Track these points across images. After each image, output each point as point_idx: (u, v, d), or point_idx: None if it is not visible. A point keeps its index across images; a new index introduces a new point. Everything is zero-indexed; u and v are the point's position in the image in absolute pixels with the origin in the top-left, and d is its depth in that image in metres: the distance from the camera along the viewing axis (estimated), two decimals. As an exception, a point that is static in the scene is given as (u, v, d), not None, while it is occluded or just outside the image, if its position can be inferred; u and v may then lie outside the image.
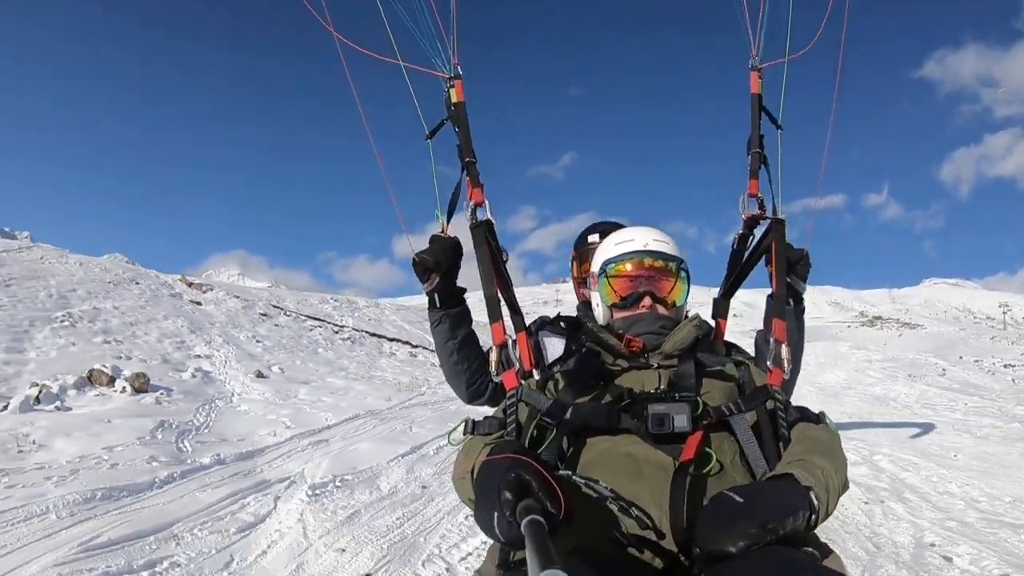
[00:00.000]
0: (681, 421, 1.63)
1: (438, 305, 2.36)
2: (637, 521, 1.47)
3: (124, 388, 9.13)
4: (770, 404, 1.78)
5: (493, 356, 2.01)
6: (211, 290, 23.24)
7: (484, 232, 2.10)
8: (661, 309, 2.03)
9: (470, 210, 2.17)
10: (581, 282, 2.71)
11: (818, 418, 1.76)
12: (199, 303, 19.67)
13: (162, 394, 9.49)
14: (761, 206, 2.28)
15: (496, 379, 2.02)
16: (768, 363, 1.93)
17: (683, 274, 2.09)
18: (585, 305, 2.53)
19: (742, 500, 1.34)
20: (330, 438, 8.24)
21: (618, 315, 2.06)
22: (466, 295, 2.43)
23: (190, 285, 23.39)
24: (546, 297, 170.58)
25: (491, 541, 1.75)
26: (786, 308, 2.18)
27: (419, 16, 2.20)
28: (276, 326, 19.17)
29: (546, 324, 2.53)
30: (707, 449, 1.62)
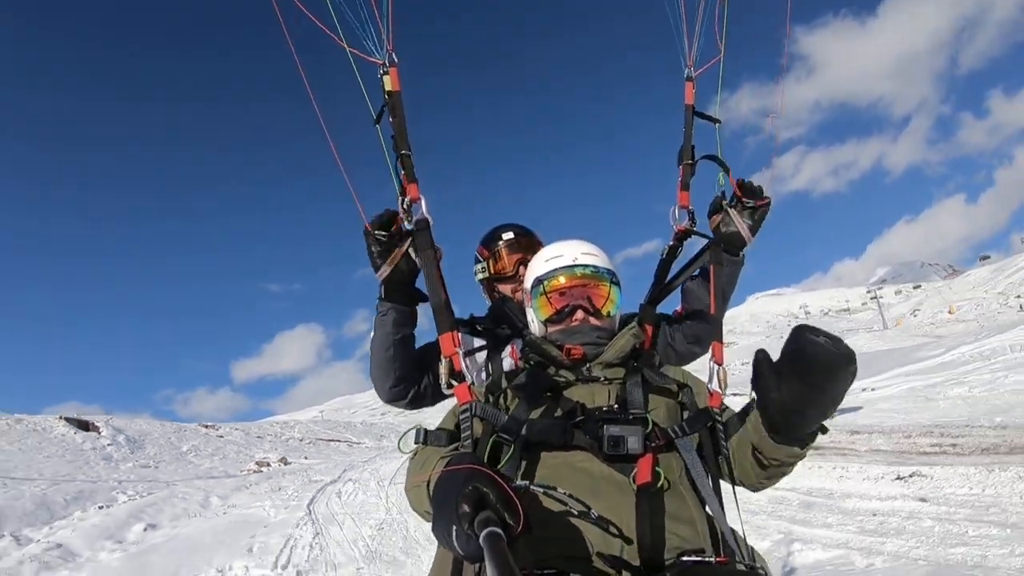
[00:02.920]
0: (634, 443, 1.70)
1: (389, 297, 2.30)
2: (597, 525, 1.55)
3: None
4: (711, 425, 1.85)
5: (443, 368, 1.98)
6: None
7: (429, 237, 2.07)
8: (594, 320, 2.12)
9: (405, 207, 2.10)
10: (497, 280, 2.76)
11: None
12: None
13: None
14: (692, 219, 2.33)
15: (447, 392, 2.00)
16: (709, 385, 1.97)
17: (614, 284, 2.19)
18: (502, 301, 2.68)
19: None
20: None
21: (553, 328, 2.15)
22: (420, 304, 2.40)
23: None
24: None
25: (438, 554, 1.93)
26: (723, 263, 2.26)
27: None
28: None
29: (459, 324, 2.37)
30: (657, 469, 1.68)
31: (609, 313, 2.16)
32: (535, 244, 2.68)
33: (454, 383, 1.94)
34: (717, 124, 2.48)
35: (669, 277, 2.35)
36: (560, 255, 2.20)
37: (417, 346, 2.48)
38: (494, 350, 2.44)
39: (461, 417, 1.83)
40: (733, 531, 1.73)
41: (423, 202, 2.09)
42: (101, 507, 12.31)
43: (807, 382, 1.45)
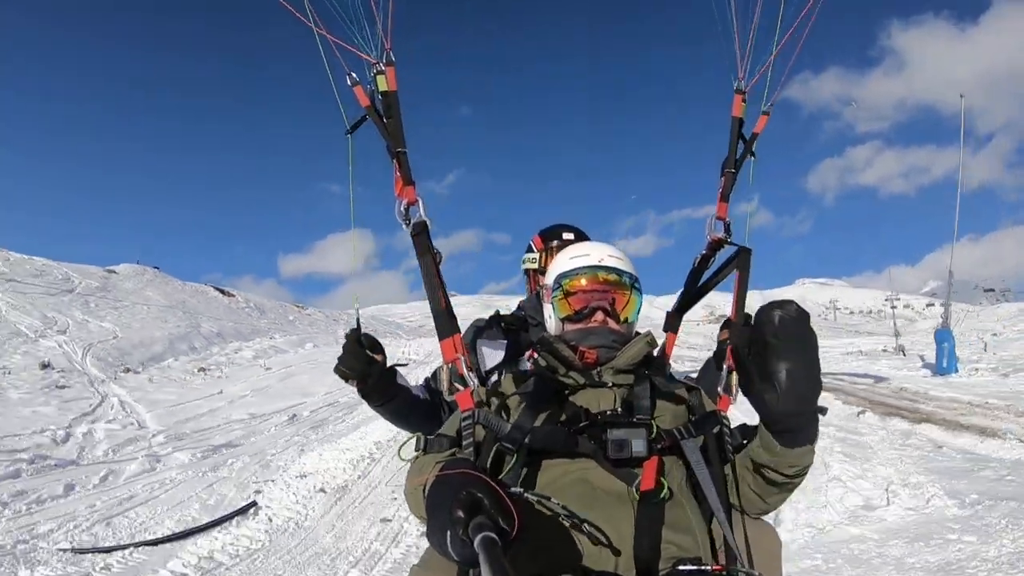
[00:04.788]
0: (639, 446, 1.68)
1: (368, 400, 2.36)
2: (589, 537, 1.54)
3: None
4: (717, 429, 1.82)
5: (444, 374, 2.08)
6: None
7: (427, 241, 2.06)
8: (612, 324, 2.06)
9: (403, 210, 2.07)
10: (543, 274, 2.47)
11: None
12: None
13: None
14: (727, 230, 2.31)
15: (448, 398, 2.10)
16: (719, 389, 2.07)
17: (636, 290, 2.11)
18: (537, 297, 2.56)
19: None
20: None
21: (570, 328, 2.09)
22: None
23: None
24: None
25: (425, 561, 1.86)
26: (748, 270, 2.25)
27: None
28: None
29: (482, 331, 2.55)
30: (661, 478, 1.64)
31: (628, 319, 2.11)
32: None
33: (459, 387, 1.94)
34: (752, 158, 2.44)
35: (699, 284, 2.38)
36: (586, 254, 2.14)
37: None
38: (511, 361, 2.46)
39: (463, 424, 1.82)
40: (737, 537, 1.68)
41: (421, 204, 2.06)
42: (262, 340, 28.89)
43: (801, 360, 1.47)
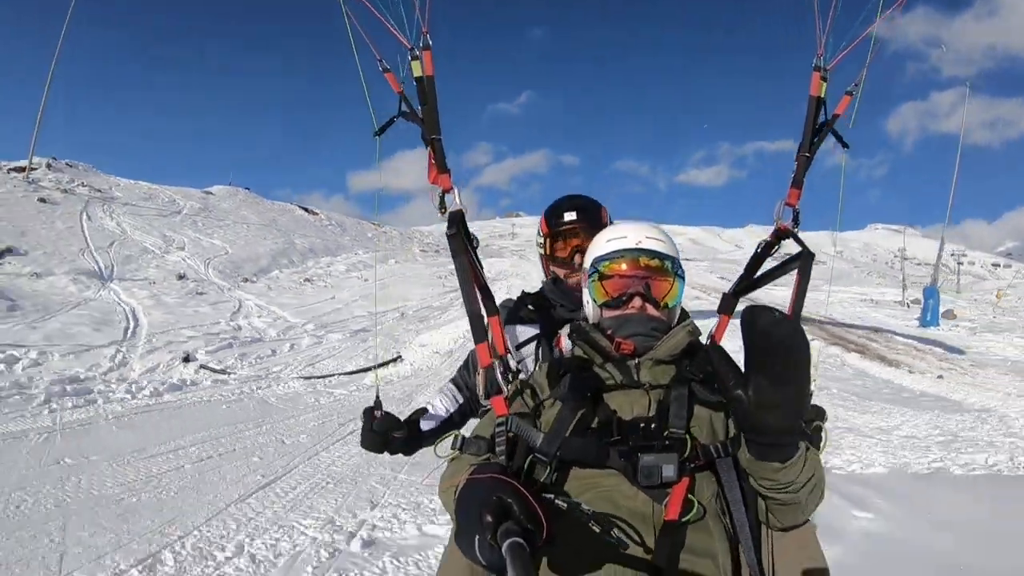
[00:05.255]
0: (668, 471, 1.57)
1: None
2: (618, 543, 1.48)
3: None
4: None
5: (480, 379, 1.98)
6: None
7: (463, 238, 1.94)
8: (652, 310, 1.91)
9: (437, 199, 1.99)
10: (551, 260, 2.50)
11: (811, 439, 1.75)
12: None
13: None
14: (795, 220, 2.12)
15: (484, 403, 2.00)
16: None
17: (678, 276, 1.97)
18: (553, 282, 2.49)
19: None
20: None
21: (607, 314, 1.94)
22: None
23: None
24: (501, 231, 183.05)
25: (447, 553, 1.85)
26: (809, 276, 2.05)
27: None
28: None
29: (511, 313, 2.46)
30: (690, 496, 1.57)
31: (668, 305, 1.94)
32: (599, 228, 2.24)
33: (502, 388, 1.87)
34: (845, 148, 2.22)
35: (758, 274, 2.20)
36: (623, 236, 1.99)
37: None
38: (545, 338, 2.35)
39: (497, 430, 1.76)
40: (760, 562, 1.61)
41: (456, 192, 1.98)
42: (348, 255, 33.76)
43: (771, 372, 1.28)
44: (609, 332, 1.89)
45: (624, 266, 1.94)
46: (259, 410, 9.13)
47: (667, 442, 1.62)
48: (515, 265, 41.38)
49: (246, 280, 27.82)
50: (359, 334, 16.65)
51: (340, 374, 12.31)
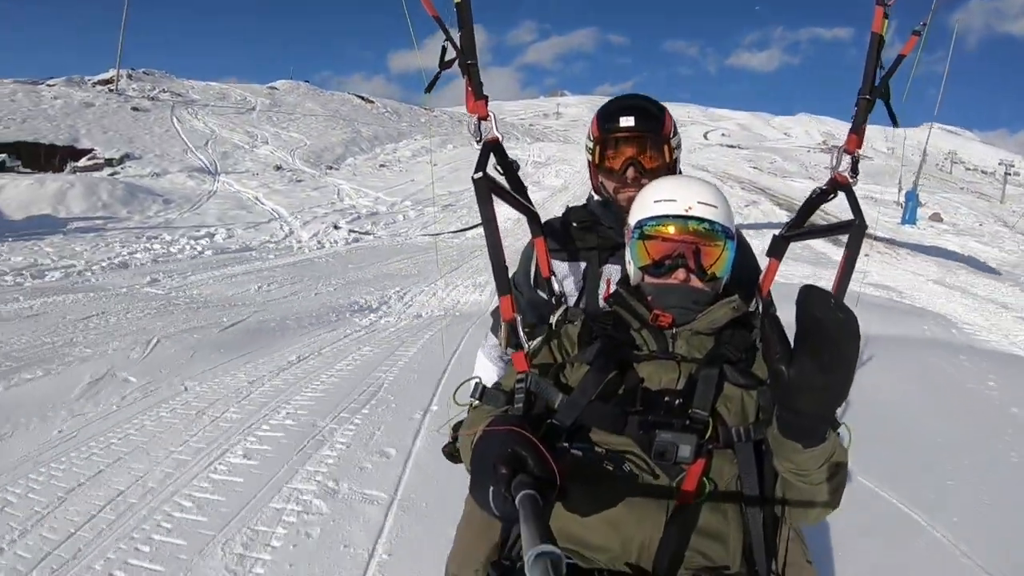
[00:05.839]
0: (684, 452, 1.53)
1: None
2: (629, 476, 1.51)
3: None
4: None
5: (503, 333, 1.88)
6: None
7: (487, 184, 1.78)
8: (696, 282, 1.77)
9: (473, 126, 1.88)
10: (599, 169, 2.17)
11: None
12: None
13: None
14: (855, 168, 1.97)
15: (505, 357, 1.97)
16: None
17: (729, 243, 1.80)
18: (602, 205, 2.20)
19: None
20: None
21: (649, 280, 1.82)
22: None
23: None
24: (546, 109, 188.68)
25: (467, 514, 1.89)
26: (857, 252, 1.92)
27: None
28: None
29: (556, 237, 2.18)
30: (704, 478, 1.55)
31: (716, 275, 1.79)
32: (660, 143, 2.11)
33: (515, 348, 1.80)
34: (895, 126, 2.12)
35: (808, 225, 2.06)
36: (673, 199, 1.80)
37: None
38: (591, 265, 2.14)
39: (517, 385, 1.72)
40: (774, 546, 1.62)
41: (493, 119, 1.88)
42: (408, 141, 38.30)
43: (816, 357, 1.24)
44: (649, 299, 1.78)
45: (671, 229, 1.76)
46: (414, 248, 14.91)
47: (688, 421, 1.55)
48: (561, 150, 41.85)
49: (330, 168, 32.38)
50: (448, 208, 21.56)
51: (449, 232, 17.24)
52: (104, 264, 11.65)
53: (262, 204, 22.09)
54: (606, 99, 2.27)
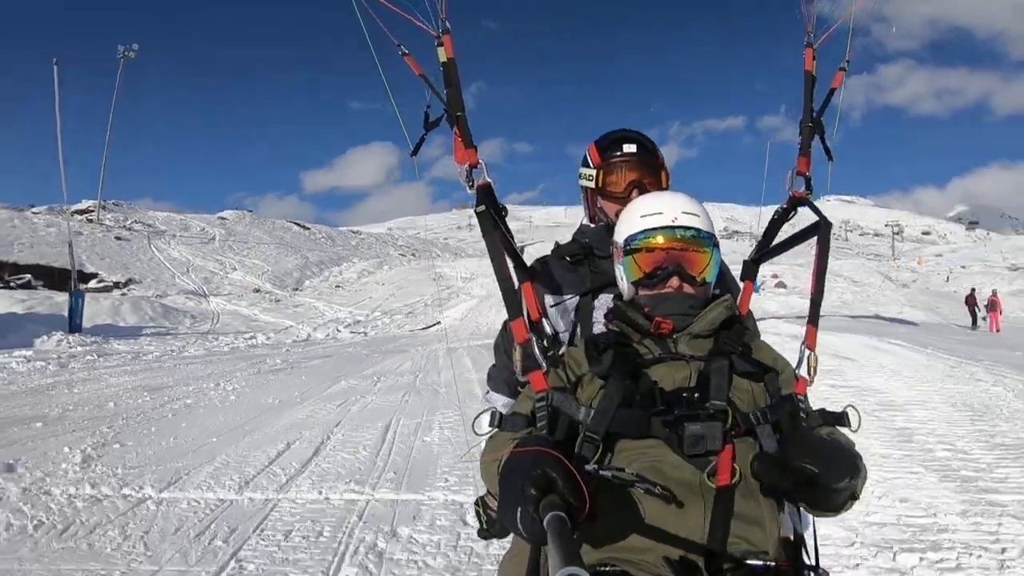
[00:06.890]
0: (714, 441, 1.58)
1: None
2: (662, 499, 1.50)
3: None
4: (792, 410, 1.73)
5: (517, 355, 1.89)
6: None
7: (491, 215, 1.90)
8: (688, 288, 1.88)
9: (464, 174, 1.97)
10: (602, 194, 2.25)
11: (840, 419, 1.77)
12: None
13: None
14: (808, 186, 2.17)
15: (522, 379, 1.94)
16: (797, 370, 1.92)
17: (715, 250, 1.94)
18: (607, 229, 2.20)
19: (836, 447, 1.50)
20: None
21: (643, 292, 1.91)
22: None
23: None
24: (459, 222, 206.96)
25: (512, 550, 1.95)
26: (828, 247, 2.07)
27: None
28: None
29: (546, 274, 2.25)
30: (735, 465, 1.57)
31: (705, 280, 1.92)
32: (656, 169, 2.24)
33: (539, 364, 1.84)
34: (831, 160, 2.30)
35: (776, 242, 2.22)
36: (658, 212, 1.92)
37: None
38: (585, 298, 2.20)
39: (537, 404, 1.74)
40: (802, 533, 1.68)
41: (483, 166, 1.98)
42: (349, 264, 47.62)
43: (811, 491, 1.45)
44: (647, 310, 1.83)
45: (660, 240, 1.87)
46: (405, 341, 22.88)
47: (710, 411, 1.60)
48: (480, 265, 45.93)
49: (295, 289, 40.34)
50: (411, 315, 30.61)
51: (420, 328, 26.84)
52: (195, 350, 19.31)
53: (263, 319, 29.59)
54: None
